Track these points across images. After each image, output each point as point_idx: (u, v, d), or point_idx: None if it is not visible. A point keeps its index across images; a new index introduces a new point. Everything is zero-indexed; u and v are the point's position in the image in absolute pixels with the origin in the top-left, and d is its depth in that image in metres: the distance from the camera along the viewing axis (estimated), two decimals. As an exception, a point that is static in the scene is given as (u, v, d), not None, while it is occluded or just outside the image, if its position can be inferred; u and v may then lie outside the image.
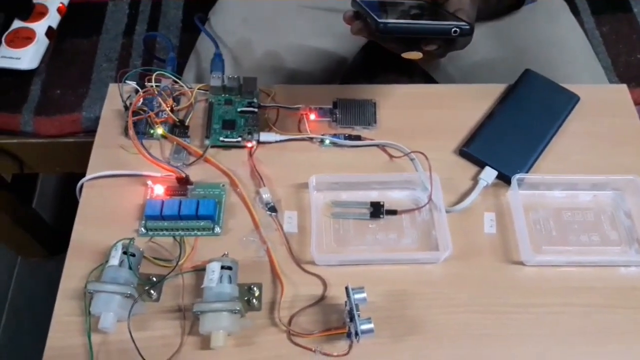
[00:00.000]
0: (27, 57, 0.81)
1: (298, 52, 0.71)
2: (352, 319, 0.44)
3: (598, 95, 0.63)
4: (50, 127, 0.77)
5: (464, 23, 0.46)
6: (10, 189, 1.01)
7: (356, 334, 0.44)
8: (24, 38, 0.82)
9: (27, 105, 0.78)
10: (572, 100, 0.62)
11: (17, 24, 0.84)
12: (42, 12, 0.86)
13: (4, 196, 0.99)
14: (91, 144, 0.59)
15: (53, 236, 1.12)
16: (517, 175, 0.54)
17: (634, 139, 0.60)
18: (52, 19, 0.86)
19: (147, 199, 0.55)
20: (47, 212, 1.16)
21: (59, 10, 0.87)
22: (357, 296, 0.45)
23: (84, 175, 0.56)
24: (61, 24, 0.87)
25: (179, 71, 0.76)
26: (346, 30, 0.51)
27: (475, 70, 0.69)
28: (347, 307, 0.45)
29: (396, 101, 0.63)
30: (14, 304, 1.12)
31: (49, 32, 0.84)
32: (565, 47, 0.70)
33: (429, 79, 0.75)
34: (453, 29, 0.46)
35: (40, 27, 0.84)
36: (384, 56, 0.59)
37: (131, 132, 0.56)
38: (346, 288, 0.46)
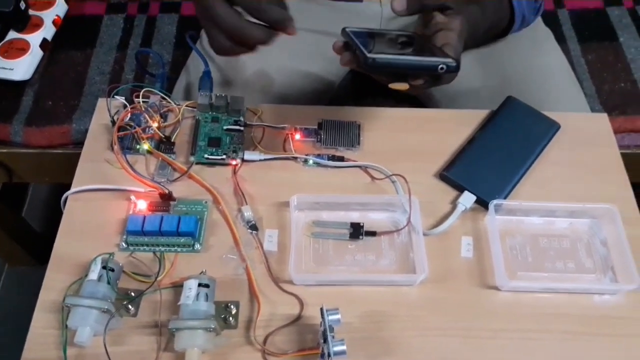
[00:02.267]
0: (21, 68, 0.82)
1: (286, 74, 0.72)
2: (325, 340, 0.45)
3: (578, 124, 0.64)
4: (40, 138, 0.78)
5: (450, 60, 0.47)
6: (0, 197, 1.01)
7: (329, 355, 0.44)
8: (18, 49, 0.83)
9: (18, 115, 0.79)
10: (552, 127, 0.63)
11: (12, 34, 0.85)
12: (38, 24, 0.87)
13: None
14: (78, 155, 0.60)
15: (41, 245, 1.12)
16: (495, 201, 0.55)
17: (612, 168, 0.61)
18: (47, 31, 0.87)
19: (130, 214, 0.55)
20: (36, 221, 1.17)
21: (54, 22, 0.88)
22: (331, 317, 0.45)
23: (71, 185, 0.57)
24: (56, 35, 0.88)
25: (170, 86, 0.77)
26: (334, 54, 0.52)
27: (460, 96, 0.71)
28: (322, 328, 0.46)
29: (381, 124, 0.64)
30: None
31: (44, 43, 0.85)
32: (549, 75, 0.71)
33: (416, 103, 0.76)
34: (440, 66, 0.47)
35: (35, 38, 0.85)
36: (371, 80, 0.60)
37: (115, 147, 0.57)
38: (321, 309, 0.46)
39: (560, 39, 0.93)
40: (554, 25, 0.94)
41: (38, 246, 1.12)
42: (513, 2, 0.65)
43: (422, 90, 0.51)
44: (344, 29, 0.51)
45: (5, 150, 0.80)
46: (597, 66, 0.90)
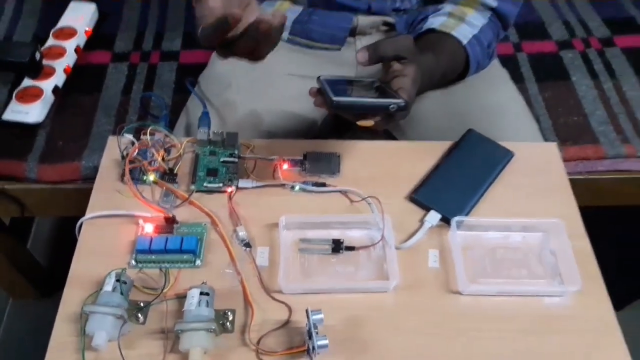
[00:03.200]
0: (35, 112, 0.90)
1: (275, 113, 0.80)
2: (310, 336, 0.51)
3: (530, 152, 0.73)
4: (52, 174, 0.85)
5: (400, 100, 0.56)
6: (8, 231, 1.08)
7: (313, 348, 0.51)
8: (33, 95, 0.91)
9: (32, 154, 0.87)
10: (507, 155, 0.71)
11: (27, 82, 0.93)
12: (50, 72, 0.95)
13: (2, 238, 1.06)
14: (88, 190, 0.67)
15: (45, 278, 1.18)
16: (456, 218, 0.63)
17: (559, 189, 0.70)
18: (59, 78, 0.95)
19: (138, 235, 0.62)
20: (40, 254, 1.22)
21: (64, 70, 0.97)
22: (315, 317, 0.52)
23: (78, 218, 0.64)
24: (66, 82, 0.97)
25: (170, 126, 0.85)
26: None
27: (427, 130, 0.79)
28: (307, 327, 0.53)
29: (357, 154, 0.72)
30: (3, 346, 1.15)
31: (55, 90, 0.94)
32: (505, 110, 0.80)
33: (390, 137, 0.85)
34: (391, 106, 0.56)
35: (47, 85, 0.93)
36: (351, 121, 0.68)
37: (127, 177, 0.65)
38: (306, 310, 0.53)
39: (519, 79, 1.03)
40: (513, 67, 1.05)
41: (42, 279, 1.18)
42: (467, 50, 0.75)
43: (384, 126, 0.60)
44: (318, 77, 0.60)
45: (19, 186, 0.88)
46: (553, 102, 1.00)
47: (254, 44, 0.52)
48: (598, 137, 0.94)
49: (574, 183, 0.92)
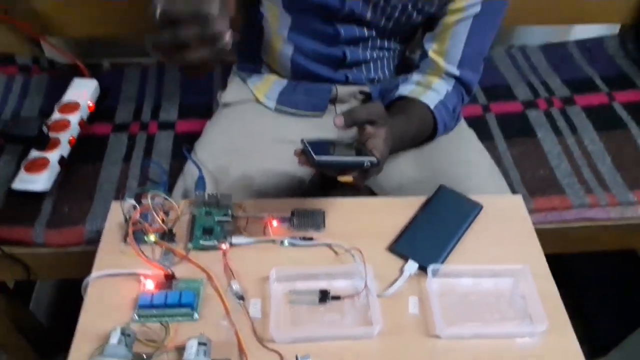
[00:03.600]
0: (42, 181, 0.96)
1: (265, 175, 0.86)
2: (300, 379, 0.56)
3: (497, 204, 0.79)
4: (58, 238, 0.90)
5: (373, 158, 0.63)
6: (12, 294, 1.11)
7: (303, 390, 0.55)
8: (40, 165, 0.97)
9: (39, 220, 0.92)
10: (476, 208, 0.77)
11: (34, 153, 0.99)
12: (56, 144, 1.02)
13: (5, 302, 1.09)
14: (91, 253, 0.71)
15: (46, 339, 1.20)
16: (432, 266, 0.68)
17: (525, 237, 0.75)
18: (64, 149, 1.02)
19: (141, 292, 0.67)
20: (42, 316, 1.25)
21: (69, 141, 1.04)
22: (304, 361, 0.57)
23: (79, 281, 0.68)
24: (71, 152, 1.03)
25: (169, 190, 0.91)
26: None
27: (403, 186, 0.86)
28: (297, 372, 0.57)
29: (341, 210, 0.78)
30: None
31: (61, 160, 1.00)
32: (472, 166, 0.87)
33: (371, 193, 0.91)
34: (365, 163, 0.63)
35: (53, 156, 0.99)
36: (333, 177, 0.75)
37: (130, 238, 0.70)
38: (296, 357, 0.57)
39: (489, 137, 1.11)
40: (483, 127, 1.13)
41: (43, 341, 1.20)
42: (434, 113, 0.82)
43: (362, 180, 0.67)
44: (302, 140, 0.67)
45: (26, 250, 0.92)
46: (521, 158, 1.07)
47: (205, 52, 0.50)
48: (564, 188, 1.01)
49: (545, 232, 0.98)
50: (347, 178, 0.65)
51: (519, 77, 1.28)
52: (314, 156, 0.62)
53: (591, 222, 0.99)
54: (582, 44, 1.39)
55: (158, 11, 0.47)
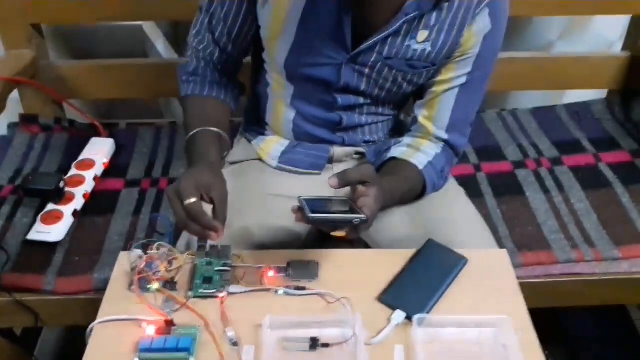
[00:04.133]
0: (55, 232, 1.01)
1: (265, 228, 0.90)
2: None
3: (483, 257, 0.82)
4: (67, 286, 0.94)
5: (363, 216, 0.69)
6: (19, 342, 1.14)
7: None
8: (55, 217, 1.03)
9: (51, 268, 0.97)
10: (462, 261, 0.81)
11: (50, 206, 1.06)
12: (70, 198, 1.08)
13: (11, 348, 1.12)
14: (98, 300, 0.75)
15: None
16: (417, 316, 0.71)
17: (509, 290, 0.78)
18: (78, 203, 1.08)
19: (142, 336, 0.70)
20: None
21: (83, 196, 1.10)
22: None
23: (84, 329, 0.71)
24: (84, 205, 1.09)
25: (174, 241, 0.95)
26: None
27: (395, 240, 0.89)
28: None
29: (335, 261, 0.81)
30: None
31: (74, 212, 1.06)
32: (460, 221, 0.91)
33: (365, 246, 0.95)
34: (354, 220, 0.68)
35: (68, 209, 1.05)
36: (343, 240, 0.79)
37: (135, 287, 0.74)
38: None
39: (480, 195, 1.16)
40: (474, 185, 1.18)
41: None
42: (423, 173, 0.88)
43: (354, 235, 0.71)
44: (299, 197, 0.72)
45: (35, 298, 0.96)
46: (509, 215, 1.11)
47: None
48: (551, 244, 1.05)
49: (533, 286, 1.02)
50: (339, 233, 0.70)
51: (509, 138, 1.34)
52: (308, 214, 0.67)
53: (577, 277, 1.02)
54: (571, 108, 1.45)
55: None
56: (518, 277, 0.97)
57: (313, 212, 0.68)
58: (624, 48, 1.44)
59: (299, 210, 0.71)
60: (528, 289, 0.98)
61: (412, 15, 0.78)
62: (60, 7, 1.25)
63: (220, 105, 0.93)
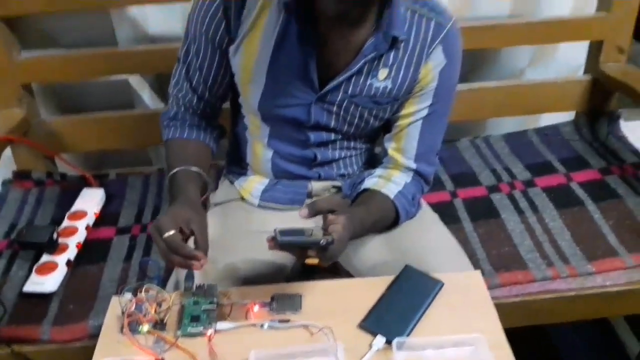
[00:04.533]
0: (50, 283, 1.04)
1: (250, 263, 0.94)
2: None
3: (457, 280, 0.86)
4: (63, 335, 0.97)
5: (329, 237, 0.73)
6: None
7: None
8: (49, 268, 1.06)
9: (47, 318, 0.99)
10: (438, 284, 0.84)
11: (45, 257, 1.09)
12: (64, 248, 1.11)
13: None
14: (93, 347, 0.78)
15: None
16: (397, 339, 0.74)
17: (483, 308, 0.82)
18: (71, 253, 1.11)
19: (134, 377, 0.73)
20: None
21: (76, 245, 1.13)
22: None
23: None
24: (77, 255, 1.12)
25: (164, 283, 0.98)
26: None
27: (376, 267, 0.93)
28: None
29: (317, 292, 0.85)
30: None
31: (68, 262, 1.09)
32: (436, 246, 0.95)
33: (348, 275, 0.99)
34: (321, 241, 0.72)
35: (61, 259, 1.09)
36: (319, 267, 0.83)
37: (126, 329, 0.77)
38: None
39: (457, 220, 1.20)
40: (451, 211, 1.22)
41: None
42: (395, 202, 0.92)
43: (326, 260, 0.75)
44: (274, 229, 0.76)
45: (32, 348, 0.98)
46: (486, 237, 1.15)
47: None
48: (527, 263, 1.08)
49: (512, 305, 1.05)
50: (312, 260, 0.74)
51: (483, 164, 1.39)
52: (278, 238, 0.71)
53: (554, 293, 1.05)
54: (541, 131, 1.51)
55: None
56: (497, 297, 1.02)
57: (282, 236, 0.72)
58: (585, 72, 1.51)
59: (273, 239, 0.75)
60: (508, 308, 1.02)
61: (370, 56, 0.84)
62: (49, 67, 1.32)
63: (200, 146, 0.98)
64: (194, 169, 0.91)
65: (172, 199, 0.88)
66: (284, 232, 0.75)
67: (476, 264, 1.06)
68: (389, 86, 0.88)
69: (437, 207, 1.11)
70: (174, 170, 0.90)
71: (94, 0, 1.24)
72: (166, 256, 0.78)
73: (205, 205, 0.93)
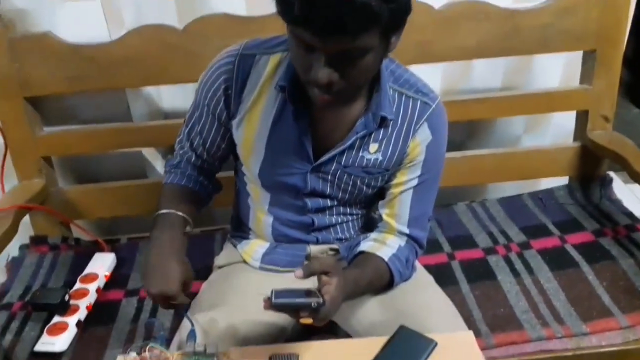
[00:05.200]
0: (60, 342, 1.07)
1: (250, 324, 0.96)
2: None
3: (450, 340, 0.88)
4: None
5: (320, 299, 0.76)
6: None
7: None
8: (60, 329, 1.10)
9: (55, 378, 1.02)
10: (431, 344, 0.86)
11: (56, 318, 1.13)
12: (75, 310, 1.15)
13: None
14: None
15: None
16: (389, 397, 0.77)
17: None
18: (82, 314, 1.15)
19: None
20: None
21: (87, 307, 1.17)
22: None
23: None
24: (87, 316, 1.16)
25: (168, 342, 1.01)
26: None
27: (373, 326, 0.95)
28: None
29: (314, 352, 0.87)
30: None
31: (78, 323, 1.13)
32: (430, 307, 0.98)
33: (346, 335, 1.01)
34: (312, 304, 0.76)
35: (72, 320, 1.12)
36: (313, 328, 0.86)
37: (129, 388, 0.80)
38: None
39: (454, 281, 1.23)
40: (448, 272, 1.25)
41: None
42: (389, 265, 0.96)
43: (318, 321, 0.78)
44: (271, 290, 0.80)
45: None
46: (482, 299, 1.17)
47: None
48: (522, 324, 1.10)
49: (508, 366, 1.05)
50: (307, 320, 0.77)
51: (479, 227, 1.43)
52: (272, 299, 0.75)
53: (550, 353, 1.06)
54: (535, 195, 1.56)
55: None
56: (493, 358, 1.04)
57: (276, 297, 0.76)
58: (575, 139, 1.57)
59: (268, 299, 0.79)
60: (504, 369, 1.03)
61: (361, 133, 0.91)
62: (69, 141, 1.41)
63: (193, 194, 1.04)
64: (181, 214, 0.97)
65: (158, 243, 0.93)
66: (279, 293, 0.79)
67: (472, 325, 1.08)
68: (380, 158, 0.95)
69: (435, 269, 1.15)
70: (163, 211, 0.96)
71: (111, 81, 1.34)
72: (163, 307, 0.90)
73: None
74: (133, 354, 0.86)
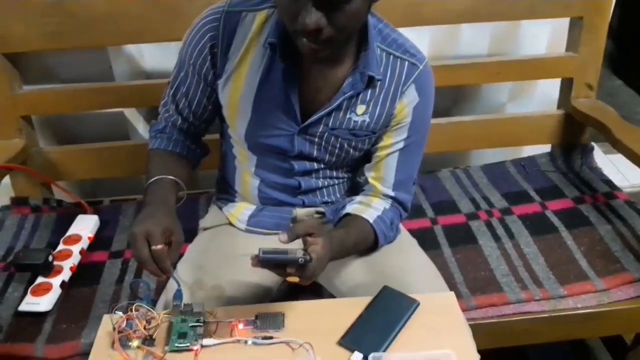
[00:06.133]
0: (44, 303, 1.07)
1: (236, 285, 0.98)
2: None
3: (433, 300, 0.90)
4: (56, 352, 1.00)
5: (307, 256, 0.77)
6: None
7: None
8: (44, 289, 1.10)
9: (41, 337, 1.02)
10: (414, 304, 0.89)
11: (40, 279, 1.12)
12: (59, 271, 1.15)
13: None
14: (86, 360, 0.82)
15: None
16: (372, 354, 0.79)
17: (455, 327, 0.86)
18: (65, 275, 1.15)
19: (124, 390, 0.76)
20: None
21: (70, 268, 1.17)
22: None
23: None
24: (71, 277, 1.16)
25: (154, 303, 1.02)
26: None
27: (357, 287, 0.98)
28: None
29: (299, 311, 0.88)
30: None
31: (62, 284, 1.13)
32: (413, 268, 1.00)
33: (331, 296, 1.03)
34: (300, 260, 0.77)
35: (56, 281, 1.12)
36: (301, 286, 0.87)
37: (116, 344, 0.81)
38: None
39: (437, 245, 1.25)
40: (431, 237, 1.27)
41: None
42: (374, 226, 0.97)
43: (305, 279, 0.79)
44: (259, 248, 0.80)
45: (26, 367, 1.01)
46: (464, 262, 1.20)
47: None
48: (502, 286, 1.13)
49: (487, 327, 1.09)
50: (293, 278, 0.78)
51: (462, 193, 1.45)
52: (260, 254, 0.76)
53: (528, 315, 1.10)
54: (518, 162, 1.58)
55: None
56: (473, 319, 1.07)
57: (263, 254, 0.77)
58: (558, 107, 1.59)
59: (255, 256, 0.80)
60: (484, 329, 1.07)
61: (348, 94, 0.91)
62: (49, 100, 1.38)
63: (181, 159, 1.03)
64: (173, 178, 0.96)
65: (149, 203, 0.92)
66: (266, 251, 0.80)
67: (454, 287, 1.11)
68: (367, 120, 0.95)
69: (418, 233, 1.17)
70: (155, 178, 0.95)
71: (93, 38, 1.30)
72: (145, 263, 0.83)
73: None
74: (119, 313, 0.86)
